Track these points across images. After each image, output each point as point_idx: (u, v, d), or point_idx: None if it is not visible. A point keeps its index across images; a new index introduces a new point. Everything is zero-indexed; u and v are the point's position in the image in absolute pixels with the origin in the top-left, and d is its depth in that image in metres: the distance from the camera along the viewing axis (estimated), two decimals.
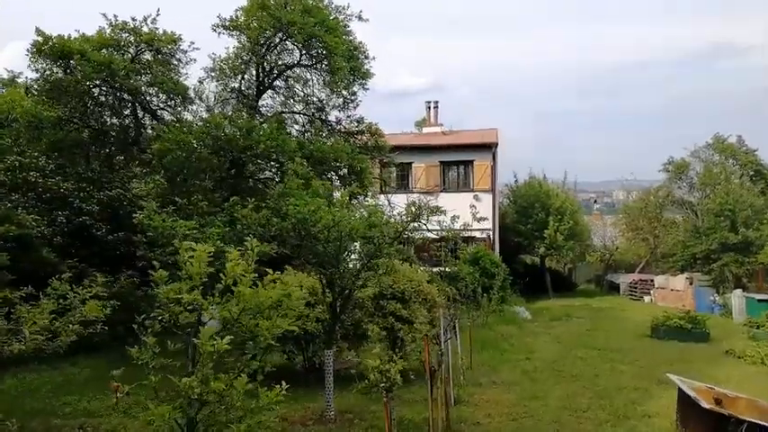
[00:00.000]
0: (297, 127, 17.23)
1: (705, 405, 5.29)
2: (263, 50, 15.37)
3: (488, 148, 24.97)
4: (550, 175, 31.06)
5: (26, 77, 16.71)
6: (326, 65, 15.33)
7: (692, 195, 32.98)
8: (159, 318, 4.07)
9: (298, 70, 16.21)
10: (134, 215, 9.08)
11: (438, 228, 9.51)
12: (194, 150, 12.88)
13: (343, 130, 16.96)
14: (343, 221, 6.73)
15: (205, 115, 15.41)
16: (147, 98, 15.39)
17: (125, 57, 14.74)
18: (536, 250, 27.99)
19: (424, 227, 8.50)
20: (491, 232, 24.34)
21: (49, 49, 13.82)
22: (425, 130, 29.18)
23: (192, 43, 15.50)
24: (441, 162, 25.28)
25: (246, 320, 4.12)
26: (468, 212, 21.60)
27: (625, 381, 10.14)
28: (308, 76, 16.38)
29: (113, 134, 15.59)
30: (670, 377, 6.69)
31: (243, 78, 16.05)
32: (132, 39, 14.97)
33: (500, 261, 21.48)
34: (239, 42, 15.59)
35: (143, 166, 16.12)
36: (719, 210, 27.06)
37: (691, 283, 24.13)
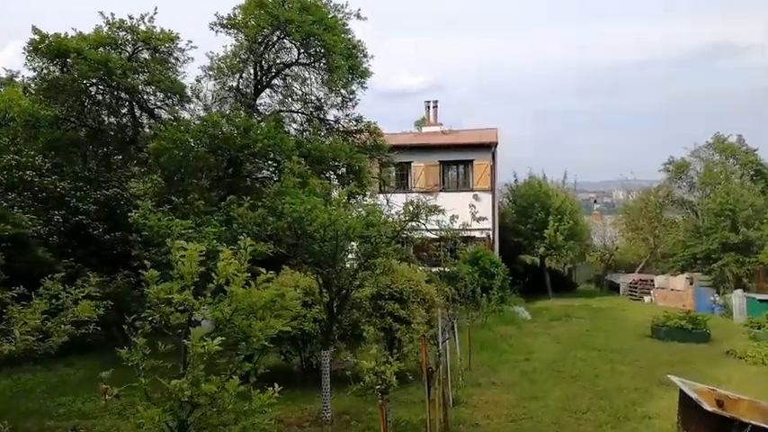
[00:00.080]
0: (295, 126, 17.18)
1: (708, 408, 5.21)
2: (261, 49, 15.30)
3: (488, 147, 24.89)
4: (550, 175, 31.06)
5: (23, 76, 16.68)
6: (325, 63, 15.25)
7: (693, 195, 32.92)
8: (149, 318, 3.97)
9: (296, 69, 16.14)
10: (129, 214, 8.99)
11: (437, 227, 9.43)
12: (191, 149, 12.80)
13: (341, 129, 16.88)
14: (338, 221, 6.64)
15: (203, 114, 15.34)
16: (145, 97, 15.32)
17: (122, 55, 14.67)
18: (536, 250, 27.91)
19: (423, 226, 8.42)
20: (491, 232, 24.26)
21: (45, 48, 13.75)
22: (425, 129, 29.10)
23: (190, 42, 15.45)
24: (440, 161, 25.20)
25: (239, 321, 4.03)
26: (467, 212, 21.51)
27: (625, 381, 10.05)
28: (307, 75, 16.32)
29: (111, 133, 15.51)
30: (671, 379, 6.60)
31: (241, 77, 15.99)
32: (129, 37, 14.90)
33: (499, 261, 21.39)
34: (237, 41, 15.54)
35: (141, 166, 16.04)
36: (720, 209, 26.97)
37: (691, 284, 24.06)
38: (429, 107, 29.53)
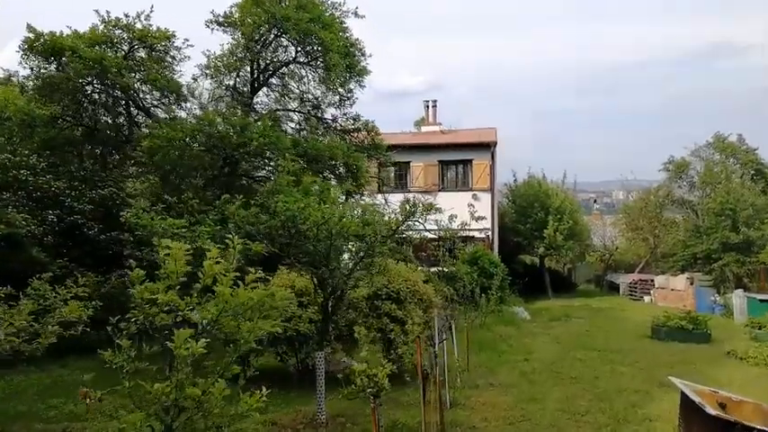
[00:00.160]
0: (292, 125, 17.07)
1: (711, 412, 5.08)
2: (258, 47, 15.18)
3: (487, 147, 24.79)
4: (549, 175, 30.85)
5: (19, 75, 16.56)
6: (322, 61, 15.14)
7: (693, 195, 32.81)
8: (134, 319, 3.84)
9: (293, 67, 16.03)
10: (121, 213, 8.87)
11: (435, 227, 9.31)
12: (186, 148, 12.67)
13: (339, 127, 16.76)
14: (332, 219, 6.51)
15: (199, 113, 15.22)
16: (141, 96, 15.20)
17: (118, 54, 14.54)
18: (535, 250, 27.77)
19: (421, 225, 8.29)
20: (490, 232, 24.14)
21: (40, 46, 13.66)
22: (424, 128, 28.99)
23: (187, 40, 15.33)
24: (439, 161, 25.09)
25: (227, 322, 3.90)
26: (466, 212, 21.42)
27: (625, 383, 9.92)
28: (304, 73, 16.21)
29: (107, 132, 15.39)
30: (673, 380, 6.47)
31: (237, 75, 15.88)
32: (125, 35, 14.79)
33: (499, 261, 21.27)
34: (234, 39, 15.43)
35: (138, 166, 15.93)
36: (720, 209, 26.84)
37: (691, 283, 23.93)
38: (428, 107, 29.41)
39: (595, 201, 58.32)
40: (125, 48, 14.85)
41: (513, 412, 8.08)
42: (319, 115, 16.70)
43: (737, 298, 19.64)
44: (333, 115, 16.77)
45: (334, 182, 15.11)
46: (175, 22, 16.02)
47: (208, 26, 15.04)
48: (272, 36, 15.07)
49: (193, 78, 15.75)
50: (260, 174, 15.18)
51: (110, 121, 15.67)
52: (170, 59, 15.51)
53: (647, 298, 26.72)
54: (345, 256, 7.81)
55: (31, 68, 14.22)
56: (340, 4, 15.57)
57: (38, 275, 6.08)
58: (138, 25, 14.67)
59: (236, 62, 15.51)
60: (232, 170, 13.76)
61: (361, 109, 17.79)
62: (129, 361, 3.81)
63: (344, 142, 15.76)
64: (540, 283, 27.67)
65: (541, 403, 8.57)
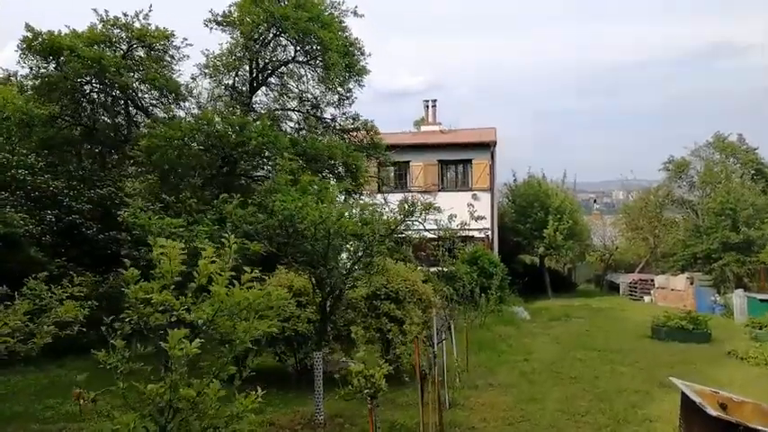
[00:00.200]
0: (291, 124, 17.02)
1: (713, 413, 5.03)
2: (257, 46, 15.14)
3: (487, 146, 24.75)
4: (549, 175, 30.85)
5: (18, 74, 16.51)
6: (321, 61, 15.09)
7: (693, 194, 32.75)
8: (128, 319, 3.80)
9: (292, 66, 15.99)
10: (119, 213, 8.83)
11: (435, 227, 9.26)
12: (185, 147, 12.63)
13: (338, 127, 16.72)
14: (329, 218, 6.46)
15: (197, 112, 15.18)
16: (139, 95, 15.16)
17: (116, 53, 14.51)
18: (535, 250, 27.73)
19: (420, 225, 8.24)
20: (490, 232, 24.10)
21: (39, 46, 13.61)
22: (423, 128, 28.96)
23: (185, 39, 15.31)
24: (439, 161, 25.05)
25: (222, 322, 3.86)
26: (466, 211, 21.35)
27: (625, 383, 9.87)
28: (303, 73, 16.17)
29: (106, 132, 15.35)
30: (673, 381, 6.42)
31: (236, 75, 15.84)
32: (124, 35, 14.77)
33: (498, 261, 21.23)
34: (233, 38, 15.39)
35: (137, 165, 15.88)
36: (720, 209, 26.79)
37: (691, 283, 23.88)
38: (428, 106, 29.37)
39: (595, 201, 58.33)
40: (124, 47, 14.82)
41: (512, 413, 8.03)
42: (318, 115, 16.66)
43: (738, 298, 19.60)
44: (332, 115, 16.76)
45: (333, 181, 15.08)
46: (174, 22, 15.98)
47: (206, 25, 15.01)
48: (271, 35, 15.03)
49: (192, 78, 15.72)
50: (259, 173, 15.12)
51: (108, 121, 15.62)
52: (169, 59, 15.50)
53: (647, 298, 26.68)
54: (344, 255, 7.76)
55: (30, 68, 14.19)
56: (339, 4, 15.55)
57: (34, 275, 6.02)
58: (137, 24, 14.66)
59: (235, 61, 15.47)
60: (231, 169, 13.72)
61: (360, 109, 17.79)
62: (124, 361, 3.77)
63: (344, 142, 15.72)
64: (540, 283, 27.64)
65: (541, 403, 8.52)
